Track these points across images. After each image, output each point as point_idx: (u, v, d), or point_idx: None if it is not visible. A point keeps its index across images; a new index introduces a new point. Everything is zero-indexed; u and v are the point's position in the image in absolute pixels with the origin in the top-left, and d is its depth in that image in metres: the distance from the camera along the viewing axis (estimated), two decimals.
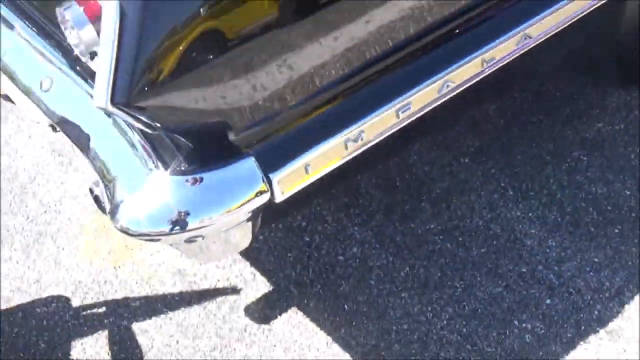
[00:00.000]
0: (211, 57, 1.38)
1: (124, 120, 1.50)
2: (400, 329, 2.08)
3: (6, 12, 1.77)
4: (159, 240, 1.59)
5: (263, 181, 1.49)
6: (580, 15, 1.81)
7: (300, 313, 2.13)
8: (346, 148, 1.57)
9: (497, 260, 2.19)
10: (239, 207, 1.48)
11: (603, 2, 1.84)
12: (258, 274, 2.21)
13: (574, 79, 2.61)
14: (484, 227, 2.27)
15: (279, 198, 1.52)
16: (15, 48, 1.72)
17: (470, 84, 1.68)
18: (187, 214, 1.48)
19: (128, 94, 1.32)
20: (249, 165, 1.48)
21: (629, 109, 2.52)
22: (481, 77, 1.70)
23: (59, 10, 1.42)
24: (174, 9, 1.32)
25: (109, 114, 1.53)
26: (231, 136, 1.49)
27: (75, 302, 2.18)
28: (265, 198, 1.49)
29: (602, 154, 2.42)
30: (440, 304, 2.12)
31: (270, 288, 2.18)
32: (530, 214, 2.29)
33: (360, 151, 1.59)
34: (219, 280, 2.20)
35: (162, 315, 2.14)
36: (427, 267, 2.19)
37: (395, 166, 2.39)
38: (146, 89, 1.33)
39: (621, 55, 2.42)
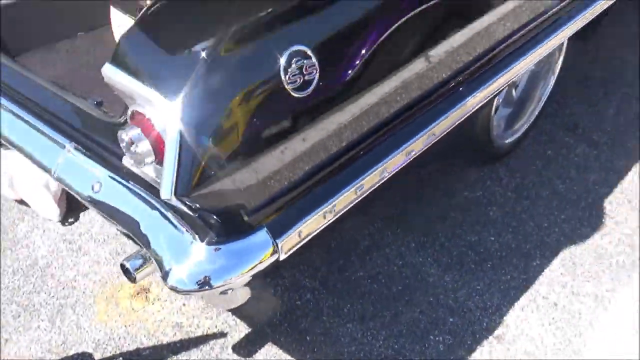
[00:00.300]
0: (233, 165, 1.56)
1: (170, 207, 1.63)
2: (350, 350, 2.21)
3: (56, 136, 1.86)
4: (192, 294, 1.74)
5: (273, 245, 1.63)
6: (458, 122, 2.09)
7: (274, 346, 2.21)
8: (324, 218, 1.73)
9: (411, 294, 2.37)
10: (256, 265, 1.63)
11: (473, 111, 2.14)
12: (239, 321, 2.28)
13: (445, 162, 2.83)
14: (398, 271, 2.44)
15: (282, 257, 1.67)
16: (68, 162, 1.81)
17: (399, 169, 1.90)
18: (216, 275, 1.60)
19: (186, 189, 1.50)
20: (262, 234, 1.63)
21: (484, 180, 2.79)
22: (405, 164, 1.93)
23: (120, 133, 1.57)
24: (208, 137, 1.51)
25: (153, 207, 1.69)
26: (247, 215, 1.64)
27: (97, 356, 2.19)
28: (275, 257, 1.64)
29: (470, 213, 2.64)
30: (376, 329, 2.26)
31: (250, 330, 2.26)
32: (429, 259, 2.48)
33: (333, 219, 1.77)
34: (209, 328, 2.26)
35: None
36: (362, 303, 2.33)
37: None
38: (196, 185, 1.51)
39: (476, 143, 2.67)
